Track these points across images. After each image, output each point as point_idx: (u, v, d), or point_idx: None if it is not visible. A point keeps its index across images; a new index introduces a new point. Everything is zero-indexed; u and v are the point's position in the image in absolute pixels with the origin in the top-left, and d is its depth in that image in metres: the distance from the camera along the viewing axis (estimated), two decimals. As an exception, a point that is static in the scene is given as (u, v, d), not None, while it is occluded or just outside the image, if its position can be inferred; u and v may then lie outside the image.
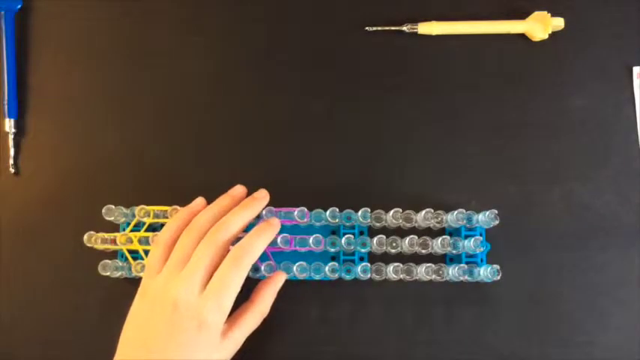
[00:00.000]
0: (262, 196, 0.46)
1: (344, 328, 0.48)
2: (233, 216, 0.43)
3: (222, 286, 0.40)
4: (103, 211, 0.47)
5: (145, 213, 0.47)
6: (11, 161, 0.51)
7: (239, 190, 0.46)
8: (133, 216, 0.47)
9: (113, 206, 0.47)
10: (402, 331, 0.48)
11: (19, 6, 0.52)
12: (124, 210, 0.47)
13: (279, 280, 0.45)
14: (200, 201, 0.46)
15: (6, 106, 0.51)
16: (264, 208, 0.45)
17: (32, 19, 0.53)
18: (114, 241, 0.47)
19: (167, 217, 0.47)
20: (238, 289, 0.41)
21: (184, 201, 0.46)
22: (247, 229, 0.44)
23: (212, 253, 0.41)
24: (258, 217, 0.45)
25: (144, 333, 0.40)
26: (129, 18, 0.53)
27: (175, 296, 0.40)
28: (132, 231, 0.47)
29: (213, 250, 0.41)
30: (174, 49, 0.52)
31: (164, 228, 0.44)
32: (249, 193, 0.46)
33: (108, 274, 0.46)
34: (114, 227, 0.48)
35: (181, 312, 0.39)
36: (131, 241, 0.47)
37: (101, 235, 0.47)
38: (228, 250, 0.42)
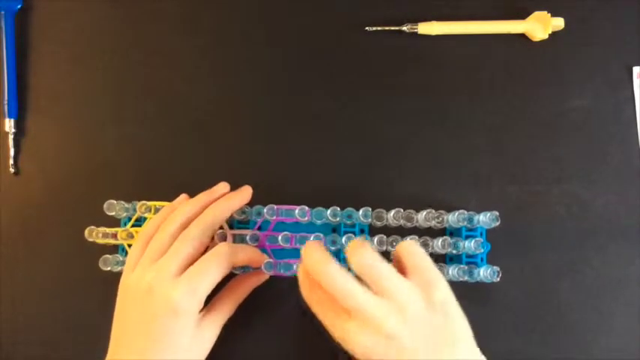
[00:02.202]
0: (244, 189, 0.46)
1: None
2: (212, 208, 0.44)
3: (198, 272, 0.40)
4: (105, 206, 0.47)
5: (146, 208, 0.47)
6: (11, 161, 0.51)
7: (221, 187, 0.46)
8: (135, 211, 0.47)
9: (114, 201, 0.47)
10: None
11: (19, 6, 0.52)
12: (126, 205, 0.47)
13: (261, 278, 0.46)
14: (182, 198, 0.47)
15: (6, 106, 0.51)
16: (265, 207, 0.46)
17: (32, 19, 0.53)
18: (115, 236, 0.47)
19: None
20: (215, 279, 0.40)
21: (184, 201, 0.46)
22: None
23: (189, 245, 0.41)
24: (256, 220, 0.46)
25: (123, 324, 0.41)
26: (129, 18, 0.53)
27: (149, 281, 0.39)
28: (133, 226, 0.47)
29: (190, 242, 0.41)
30: (174, 48, 0.52)
31: (146, 224, 0.45)
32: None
33: (109, 268, 0.47)
34: (113, 224, 0.48)
35: (155, 297, 0.39)
36: (132, 236, 0.47)
37: (102, 229, 0.47)
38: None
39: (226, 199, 0.45)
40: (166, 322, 0.39)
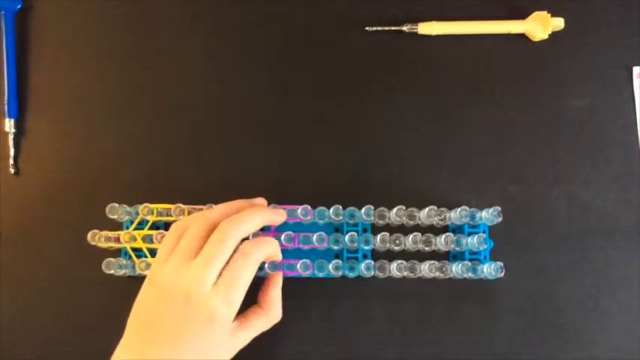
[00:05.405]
0: (281, 212, 0.45)
1: (347, 325, 0.47)
2: (247, 215, 0.43)
3: (233, 280, 0.40)
4: (107, 209, 0.46)
5: (148, 211, 0.47)
6: (11, 161, 0.50)
7: (260, 201, 0.46)
8: (137, 214, 0.47)
9: (117, 204, 0.47)
10: (405, 329, 0.47)
11: (19, 6, 0.52)
12: (128, 208, 0.47)
13: (279, 280, 0.45)
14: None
15: (6, 106, 0.51)
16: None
17: (32, 19, 0.53)
18: (117, 239, 0.46)
19: (170, 216, 0.46)
20: (248, 284, 0.41)
21: (185, 200, 0.46)
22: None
23: (224, 247, 0.41)
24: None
25: (152, 324, 0.40)
26: (129, 18, 0.53)
27: (187, 288, 0.39)
28: (135, 229, 0.47)
29: (224, 244, 0.41)
30: (174, 48, 0.52)
31: (186, 217, 0.45)
32: (251, 193, 0.46)
33: (112, 272, 0.46)
34: (115, 226, 0.48)
35: (193, 304, 0.39)
36: (135, 239, 0.46)
37: (105, 233, 0.47)
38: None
39: (264, 213, 0.44)
40: (203, 328, 0.39)
